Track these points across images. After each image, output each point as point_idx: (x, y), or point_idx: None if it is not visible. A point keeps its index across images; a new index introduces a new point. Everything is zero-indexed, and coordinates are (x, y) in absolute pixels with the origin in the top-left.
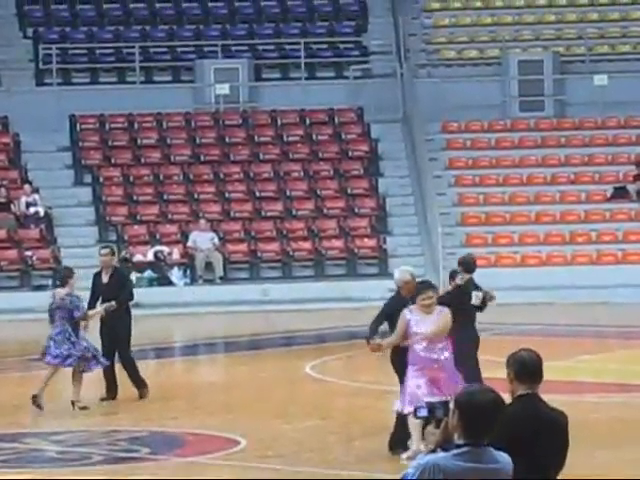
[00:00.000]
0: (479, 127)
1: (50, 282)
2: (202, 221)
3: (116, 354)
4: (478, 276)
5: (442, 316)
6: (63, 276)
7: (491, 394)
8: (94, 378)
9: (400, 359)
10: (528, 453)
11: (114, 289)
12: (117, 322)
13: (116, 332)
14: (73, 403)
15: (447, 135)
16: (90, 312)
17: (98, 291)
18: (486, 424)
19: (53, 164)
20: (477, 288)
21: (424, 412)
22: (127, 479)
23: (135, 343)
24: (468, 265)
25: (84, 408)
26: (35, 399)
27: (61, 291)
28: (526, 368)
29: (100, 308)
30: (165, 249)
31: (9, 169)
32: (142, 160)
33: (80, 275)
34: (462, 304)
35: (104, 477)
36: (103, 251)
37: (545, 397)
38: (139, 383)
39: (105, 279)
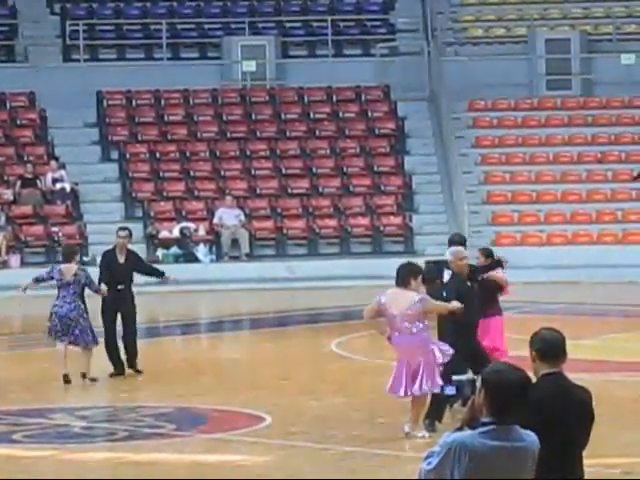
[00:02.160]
0: (506, 105)
1: (77, 258)
2: (228, 198)
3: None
4: (504, 254)
5: None
6: (69, 252)
7: (518, 373)
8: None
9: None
10: (555, 431)
11: (130, 270)
12: (128, 299)
13: (128, 309)
14: (84, 375)
15: (474, 113)
16: (103, 287)
17: (111, 270)
18: (513, 402)
19: (80, 140)
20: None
21: (452, 390)
22: (152, 455)
23: (161, 320)
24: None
25: (94, 380)
26: (66, 377)
27: (71, 267)
28: (549, 347)
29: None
30: (191, 226)
31: (36, 145)
32: (168, 136)
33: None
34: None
35: (129, 453)
36: (122, 233)
37: (571, 376)
38: (121, 364)
39: (121, 259)
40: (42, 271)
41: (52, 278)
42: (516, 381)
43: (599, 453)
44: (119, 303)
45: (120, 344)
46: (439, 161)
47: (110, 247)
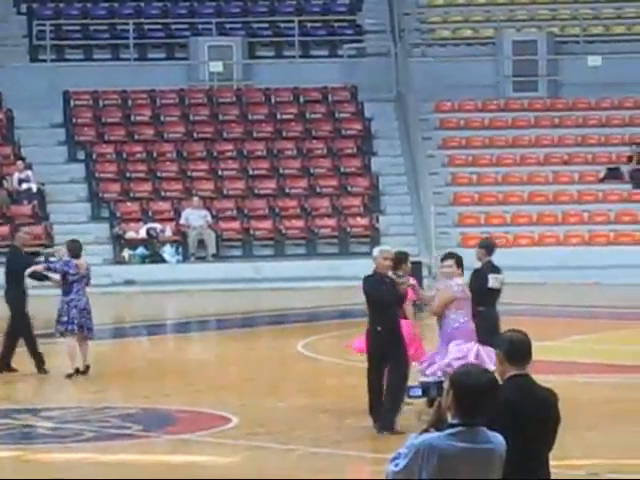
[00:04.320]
0: (473, 107)
1: (42, 258)
2: (195, 198)
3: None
4: (470, 256)
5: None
6: (79, 247)
7: (486, 374)
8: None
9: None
10: (521, 433)
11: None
12: None
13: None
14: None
15: (440, 114)
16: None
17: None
18: (481, 404)
19: (46, 140)
20: (497, 271)
21: (418, 392)
22: (119, 456)
23: (127, 320)
24: (488, 248)
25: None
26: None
27: (82, 262)
28: (516, 349)
29: None
30: (158, 226)
31: (2, 145)
32: (135, 137)
33: None
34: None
35: (96, 454)
36: (27, 229)
37: (537, 377)
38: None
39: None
40: (53, 262)
41: (65, 272)
42: (484, 383)
43: (565, 454)
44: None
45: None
46: (406, 162)
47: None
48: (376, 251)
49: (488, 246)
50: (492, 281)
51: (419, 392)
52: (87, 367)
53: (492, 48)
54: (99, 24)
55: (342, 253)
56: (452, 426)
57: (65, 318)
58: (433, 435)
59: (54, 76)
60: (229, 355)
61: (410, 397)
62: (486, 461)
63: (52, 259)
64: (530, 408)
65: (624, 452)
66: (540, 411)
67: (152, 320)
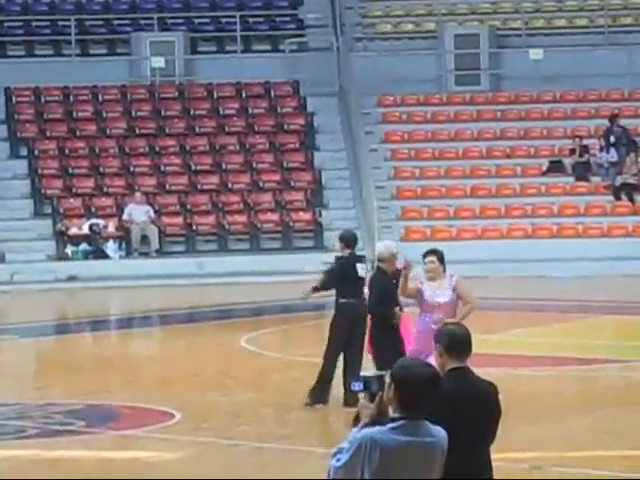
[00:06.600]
0: (415, 101)
1: None
2: (138, 194)
3: None
4: (413, 249)
5: (458, 285)
6: None
7: (427, 368)
8: None
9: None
10: (461, 426)
11: None
12: None
13: None
14: None
15: (383, 109)
16: None
17: None
18: (422, 398)
19: None
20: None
21: (359, 386)
22: (62, 452)
23: (71, 316)
24: (348, 241)
25: None
26: None
27: None
28: (456, 342)
29: None
30: (100, 222)
31: None
32: (78, 133)
33: (16, 247)
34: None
35: (39, 450)
36: None
37: (479, 370)
38: None
39: None
40: None
41: None
42: (425, 376)
43: (507, 447)
44: None
45: None
46: (348, 156)
47: None
48: (390, 248)
49: (343, 239)
50: (360, 270)
51: (360, 386)
52: None
53: (434, 42)
54: (40, 20)
55: (285, 248)
56: (394, 420)
57: None
58: (375, 429)
59: None
60: (173, 351)
61: (351, 391)
62: (428, 454)
63: None
64: (471, 401)
65: (568, 444)
66: (481, 403)
67: (95, 316)
